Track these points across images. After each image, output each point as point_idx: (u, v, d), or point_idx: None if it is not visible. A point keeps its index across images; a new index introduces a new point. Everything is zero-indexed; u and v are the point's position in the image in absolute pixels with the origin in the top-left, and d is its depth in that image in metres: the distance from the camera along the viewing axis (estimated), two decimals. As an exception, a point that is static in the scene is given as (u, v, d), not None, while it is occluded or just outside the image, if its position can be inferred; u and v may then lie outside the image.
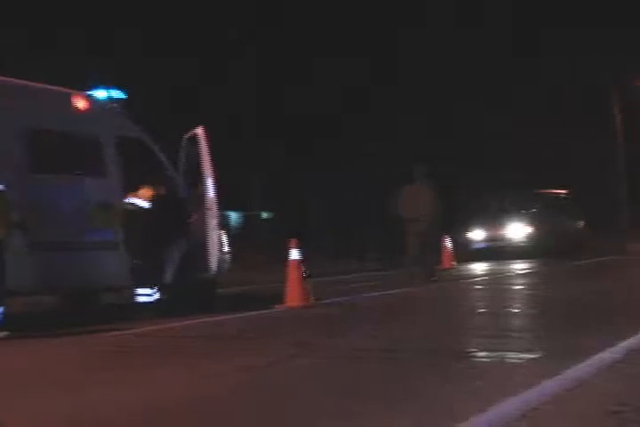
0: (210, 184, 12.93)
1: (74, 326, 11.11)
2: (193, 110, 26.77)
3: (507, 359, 7.43)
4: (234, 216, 38.23)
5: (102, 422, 5.44)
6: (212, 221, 12.94)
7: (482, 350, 7.95)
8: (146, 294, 12.11)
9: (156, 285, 12.23)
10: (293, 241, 13.00)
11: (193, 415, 5.53)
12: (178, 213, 12.94)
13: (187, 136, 13.55)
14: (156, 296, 12.21)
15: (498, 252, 27.82)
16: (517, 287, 16.44)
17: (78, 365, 8.10)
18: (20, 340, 9.69)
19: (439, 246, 21.63)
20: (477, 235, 28.84)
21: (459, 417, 5.06)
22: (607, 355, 7.20)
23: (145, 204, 12.33)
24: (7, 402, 6.11)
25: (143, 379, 6.94)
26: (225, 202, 14.64)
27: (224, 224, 20.63)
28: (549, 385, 5.99)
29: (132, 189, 12.42)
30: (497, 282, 17.97)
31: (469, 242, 28.72)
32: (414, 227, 17.47)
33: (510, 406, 5.35)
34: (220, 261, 13.49)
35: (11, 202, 10.28)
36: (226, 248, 14.45)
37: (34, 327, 10.88)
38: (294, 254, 12.92)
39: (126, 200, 12.33)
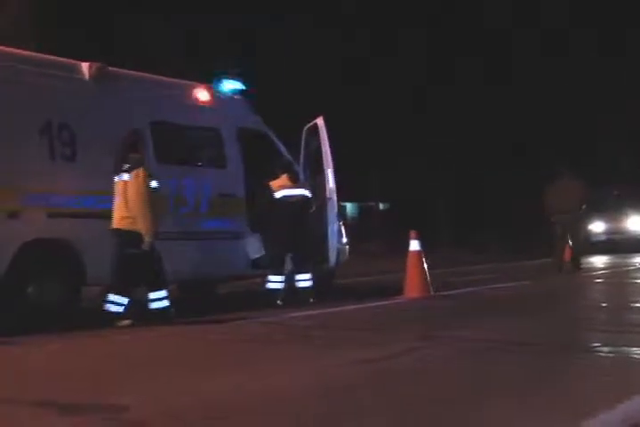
0: (330, 175, 12.98)
1: (195, 314, 11.29)
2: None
3: (632, 356, 7.32)
4: (350, 207, 38.34)
5: (224, 407, 5.52)
6: (332, 212, 13.00)
7: (606, 346, 7.82)
8: (274, 282, 12.30)
9: (282, 274, 12.40)
10: (413, 232, 12.96)
11: (313, 406, 5.54)
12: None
13: (307, 127, 13.62)
14: (282, 285, 12.37)
15: (618, 244, 27.35)
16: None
17: (200, 352, 8.23)
18: (142, 328, 9.87)
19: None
20: (597, 227, 28.34)
21: (586, 414, 4.99)
22: None
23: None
24: (134, 386, 6.25)
25: (264, 368, 7.01)
26: (343, 193, 14.66)
27: (343, 215, 20.72)
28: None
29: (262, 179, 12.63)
30: (618, 275, 17.65)
31: (589, 234, 28.21)
32: (563, 221, 18.14)
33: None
34: (339, 251, 13.55)
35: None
36: (344, 239, 14.51)
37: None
38: (414, 245, 12.89)
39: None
